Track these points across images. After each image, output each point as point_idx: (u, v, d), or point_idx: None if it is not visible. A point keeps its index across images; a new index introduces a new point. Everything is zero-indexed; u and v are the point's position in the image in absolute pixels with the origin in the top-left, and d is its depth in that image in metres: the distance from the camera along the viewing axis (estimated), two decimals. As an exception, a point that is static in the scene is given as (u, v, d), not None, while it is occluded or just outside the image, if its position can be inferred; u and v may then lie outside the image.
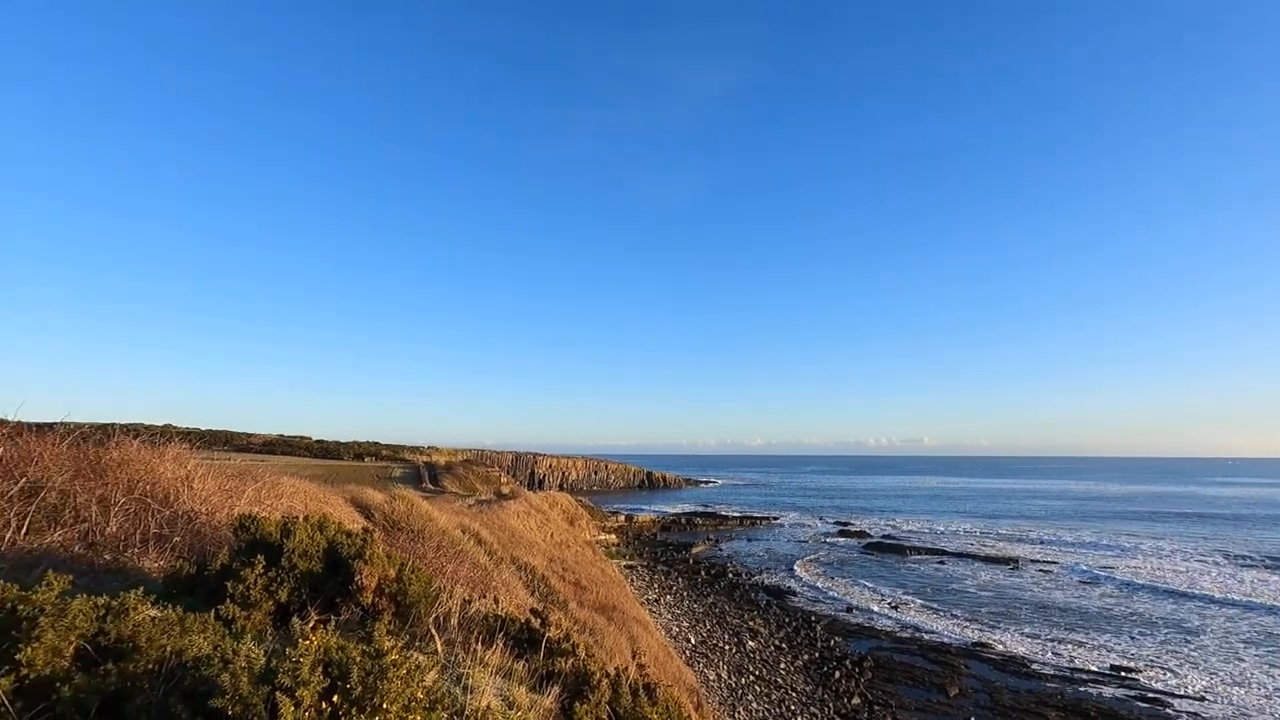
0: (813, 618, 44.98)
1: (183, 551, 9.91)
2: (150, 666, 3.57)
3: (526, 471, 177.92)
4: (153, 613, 4.11)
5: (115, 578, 8.75)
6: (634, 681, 5.44)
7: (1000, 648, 37.83)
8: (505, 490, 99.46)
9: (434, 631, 5.75)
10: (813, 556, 70.09)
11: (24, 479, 10.14)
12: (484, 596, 7.54)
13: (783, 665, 36.23)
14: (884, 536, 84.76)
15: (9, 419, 12.09)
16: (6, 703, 3.04)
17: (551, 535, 55.85)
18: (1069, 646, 38.03)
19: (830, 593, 52.78)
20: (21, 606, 3.68)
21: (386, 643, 3.15)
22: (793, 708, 30.39)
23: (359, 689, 2.82)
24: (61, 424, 13.66)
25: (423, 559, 11.89)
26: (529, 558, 35.17)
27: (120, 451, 11.68)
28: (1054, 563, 63.64)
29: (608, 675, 5.26)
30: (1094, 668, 34.28)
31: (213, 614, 4.95)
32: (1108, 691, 30.87)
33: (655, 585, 56.31)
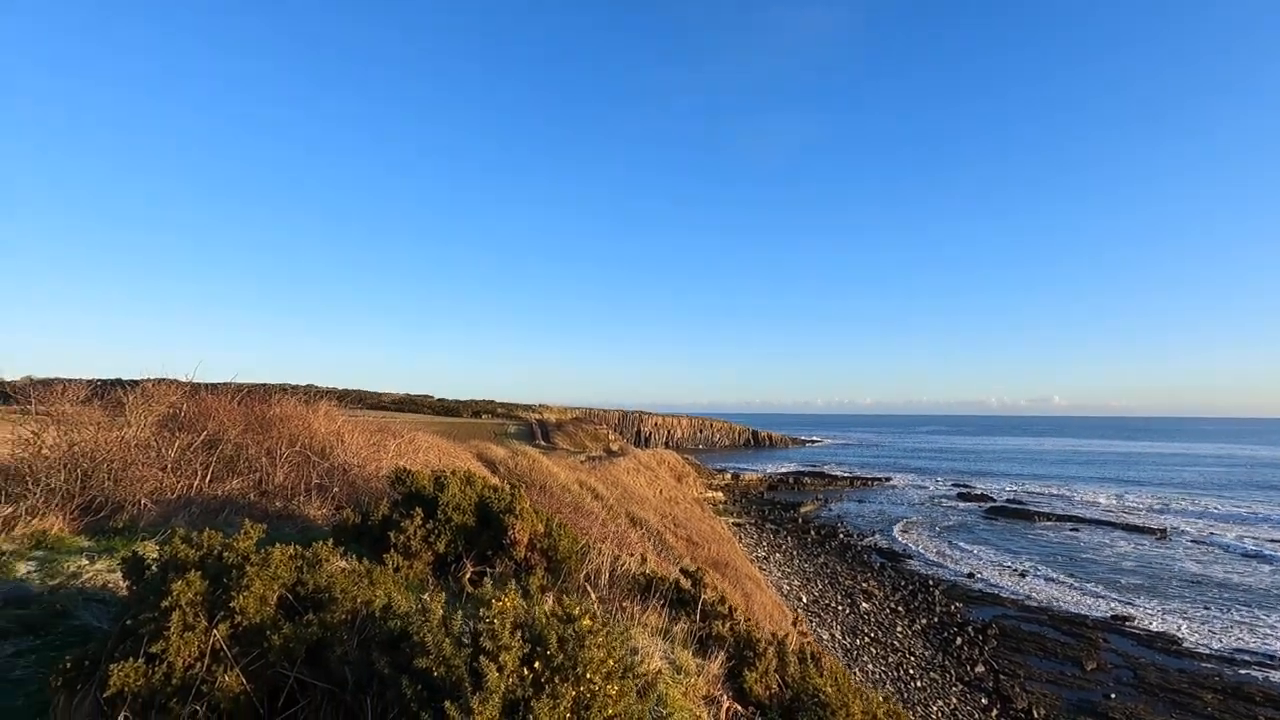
0: (930, 582, 43.24)
1: (341, 500, 10.61)
2: (344, 617, 3.63)
3: (633, 429, 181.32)
4: (342, 564, 4.21)
5: (286, 523, 9.45)
6: (798, 648, 5.16)
7: (1145, 622, 34.76)
8: (615, 447, 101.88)
9: (589, 589, 5.71)
10: (929, 519, 67.18)
11: (204, 432, 11.17)
12: (631, 554, 7.49)
13: (899, 628, 35.20)
14: (1009, 501, 79.77)
15: (188, 379, 13.40)
16: (225, 648, 3.15)
17: (661, 491, 56.72)
18: (1230, 626, 34.36)
19: (949, 557, 50.46)
20: (227, 554, 3.84)
21: (576, 608, 2.98)
22: (911, 671, 29.51)
23: (560, 656, 2.67)
24: (229, 384, 15.00)
25: (555, 514, 12.13)
26: (642, 513, 35.85)
27: (281, 408, 12.61)
28: (1211, 534, 57.45)
29: (773, 641, 4.99)
30: (1260, 649, 30.81)
31: (390, 565, 5.08)
32: (1276, 676, 27.69)
33: (764, 543, 56.07)
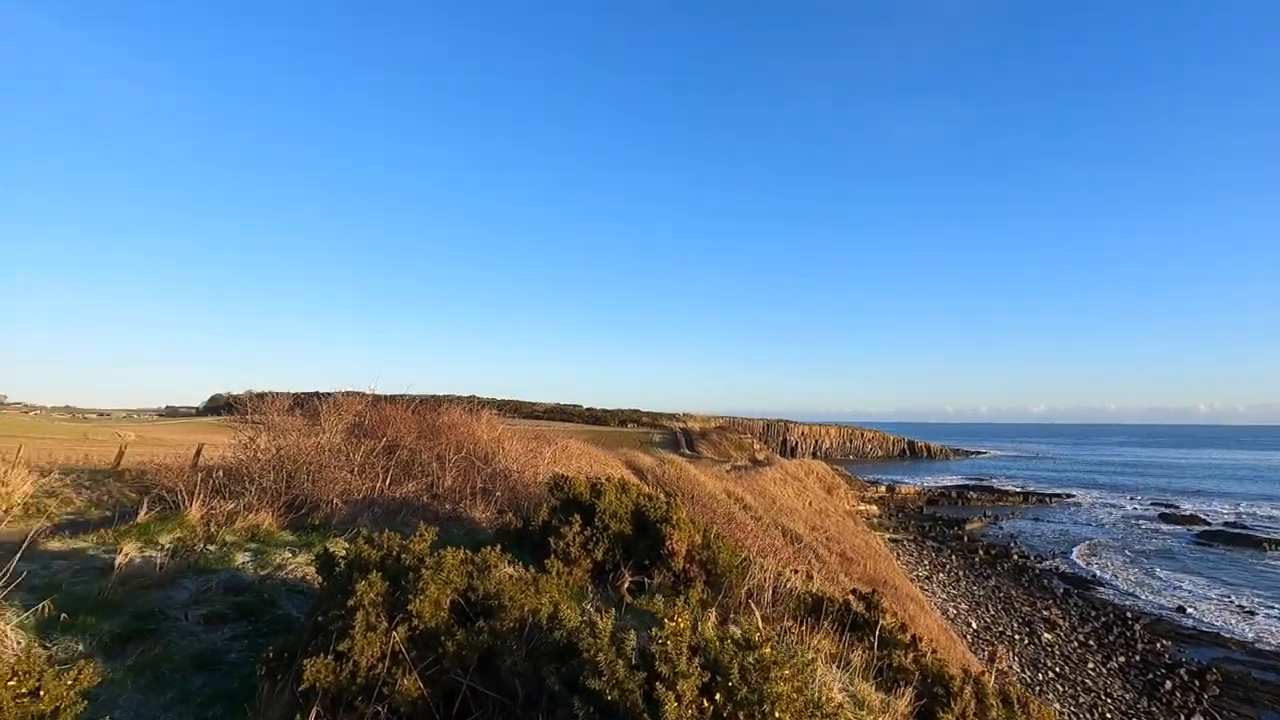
0: (1128, 614, 37.84)
1: (502, 504, 11.08)
2: (512, 625, 3.59)
3: (778, 439, 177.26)
4: (509, 570, 4.21)
5: (454, 525, 9.97)
6: (999, 689, 4.47)
7: None
8: (760, 457, 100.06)
9: (752, 606, 5.37)
10: (1122, 542, 59.07)
11: (384, 439, 12.19)
12: (794, 570, 7.05)
13: (1091, 665, 31.07)
14: (1227, 524, 68.23)
15: (370, 391, 14.79)
16: (404, 650, 3.19)
17: (810, 503, 54.62)
18: None
19: (1148, 587, 43.91)
20: (404, 555, 3.97)
21: (756, 633, 2.67)
22: (1109, 716, 25.86)
23: (743, 689, 2.38)
24: (403, 395, 16.36)
25: (710, 525, 11.90)
26: (792, 525, 34.63)
27: (448, 417, 13.48)
28: None
29: (968, 679, 4.35)
30: None
31: (552, 571, 5.07)
32: None
33: (925, 562, 52.15)
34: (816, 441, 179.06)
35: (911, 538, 62.83)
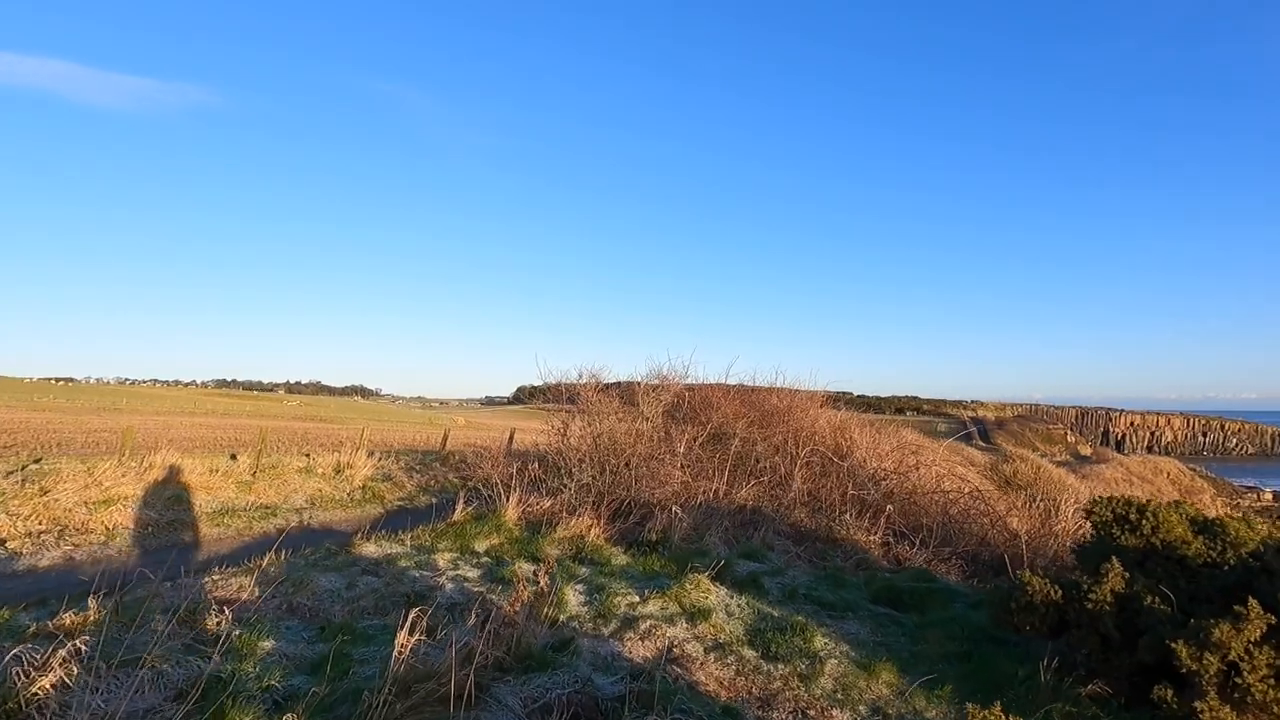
0: None
1: (896, 525, 7.94)
2: None
3: (1096, 429, 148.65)
4: None
5: (834, 552, 6.97)
6: None
7: None
8: (1085, 451, 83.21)
9: None
10: None
11: (709, 424, 9.83)
12: None
13: None
14: None
15: (682, 375, 12.73)
16: None
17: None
18: None
19: None
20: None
21: None
22: None
23: None
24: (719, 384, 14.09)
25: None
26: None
27: (779, 399, 10.67)
28: None
29: None
30: None
31: None
32: None
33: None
34: (1152, 433, 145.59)
35: None
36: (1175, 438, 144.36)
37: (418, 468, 14.39)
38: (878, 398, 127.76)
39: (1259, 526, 3.69)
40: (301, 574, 5.53)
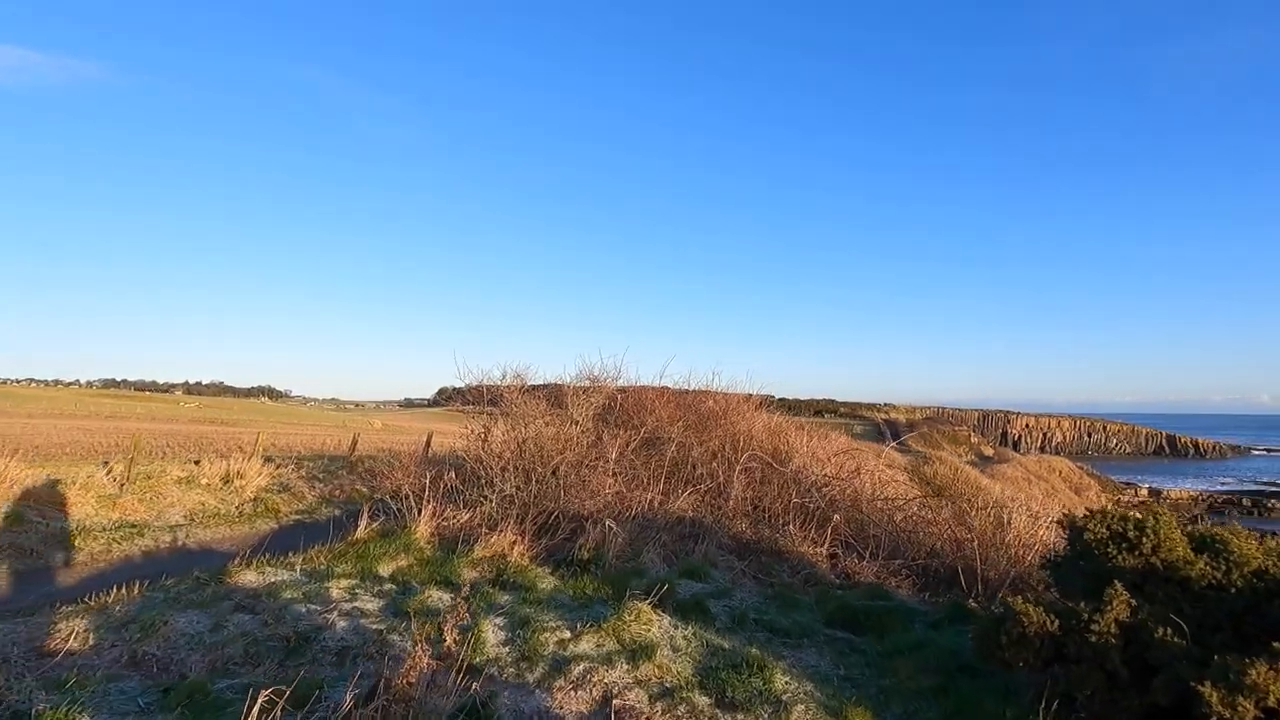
0: None
1: (843, 534, 7.55)
2: None
3: (996, 431, 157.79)
4: None
5: (779, 566, 6.49)
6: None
7: None
8: (988, 452, 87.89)
9: None
10: None
11: (643, 429, 9.20)
12: None
13: None
14: None
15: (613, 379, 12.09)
16: None
17: (1066, 508, 45.32)
18: None
19: None
20: None
21: None
22: None
23: None
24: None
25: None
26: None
27: (715, 401, 10.19)
28: None
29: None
30: None
31: None
32: None
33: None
34: (1045, 434, 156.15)
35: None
36: (1065, 438, 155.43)
37: (321, 476, 13.09)
38: (798, 400, 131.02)
39: (1251, 542, 3.41)
40: (156, 613, 4.52)
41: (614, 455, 8.26)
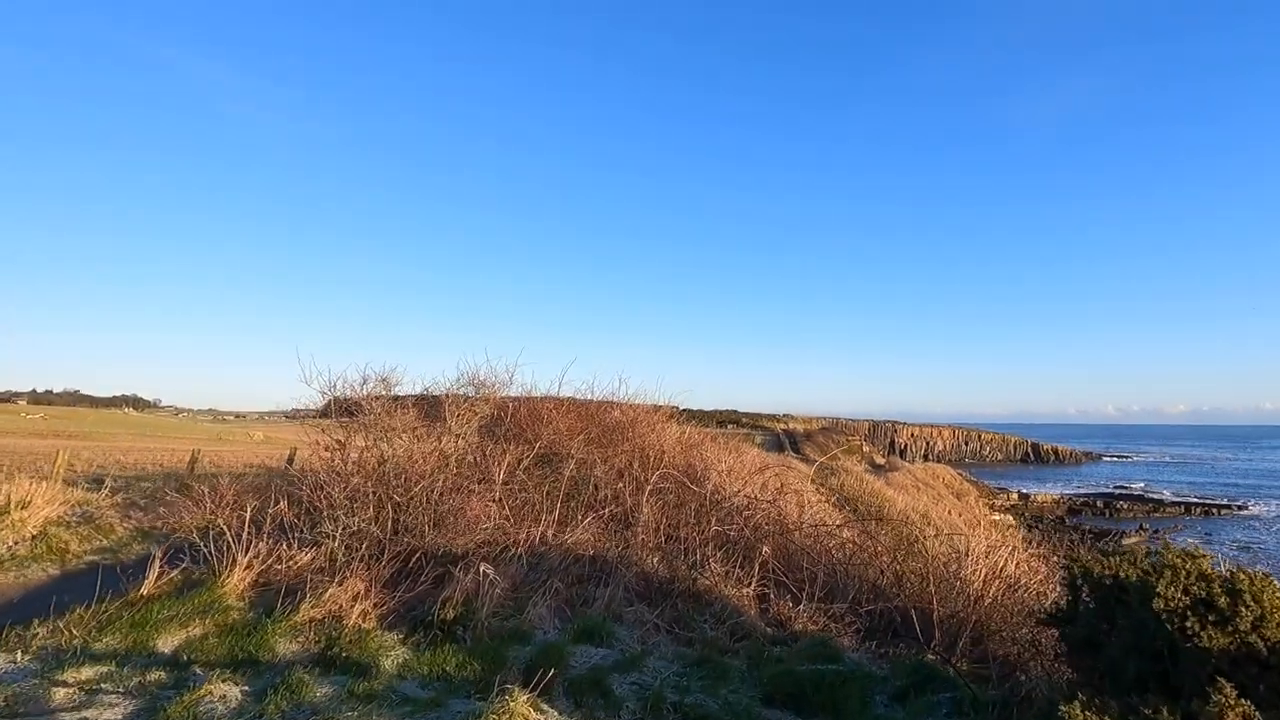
0: None
1: (773, 569, 6.45)
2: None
3: (885, 440, 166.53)
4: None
5: (702, 617, 5.32)
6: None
7: None
8: (879, 460, 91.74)
9: None
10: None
11: (538, 443, 7.83)
12: None
13: None
14: None
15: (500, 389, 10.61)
16: None
17: (949, 512, 47.76)
18: None
19: None
20: None
21: None
22: None
23: None
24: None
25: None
26: (976, 548, 28.41)
27: (621, 413, 8.97)
28: None
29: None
30: None
31: None
32: None
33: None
34: (928, 444, 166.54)
35: (1064, 553, 53.94)
36: (945, 447, 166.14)
37: (144, 502, 10.76)
38: (702, 411, 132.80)
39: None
40: None
41: (501, 476, 6.85)
